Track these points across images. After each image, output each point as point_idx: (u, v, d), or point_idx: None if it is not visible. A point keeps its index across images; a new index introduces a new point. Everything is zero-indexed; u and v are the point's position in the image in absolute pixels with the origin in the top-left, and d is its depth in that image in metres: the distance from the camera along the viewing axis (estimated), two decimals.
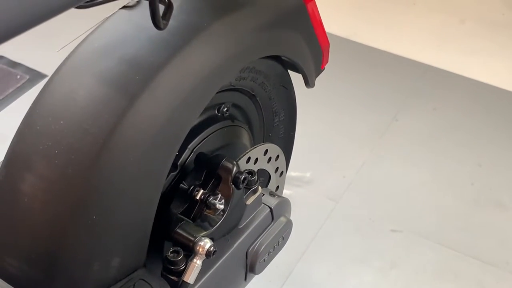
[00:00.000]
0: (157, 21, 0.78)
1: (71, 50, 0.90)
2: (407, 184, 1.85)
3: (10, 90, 2.19)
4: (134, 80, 0.84)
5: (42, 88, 0.88)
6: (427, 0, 2.66)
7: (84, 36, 0.92)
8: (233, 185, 0.94)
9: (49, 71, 2.13)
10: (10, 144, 0.87)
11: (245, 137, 1.08)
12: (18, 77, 2.22)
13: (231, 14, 0.92)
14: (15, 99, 2.12)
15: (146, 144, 0.84)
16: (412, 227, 1.72)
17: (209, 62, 0.88)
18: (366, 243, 1.68)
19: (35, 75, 2.21)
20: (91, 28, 0.91)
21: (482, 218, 1.75)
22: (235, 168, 0.94)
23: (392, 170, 1.89)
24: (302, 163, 1.83)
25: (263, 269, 1.05)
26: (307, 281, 1.62)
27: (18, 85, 2.20)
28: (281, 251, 1.14)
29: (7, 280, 0.85)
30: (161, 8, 0.83)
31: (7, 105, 2.09)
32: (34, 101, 0.88)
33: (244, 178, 0.94)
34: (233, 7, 0.93)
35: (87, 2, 0.82)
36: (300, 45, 1.05)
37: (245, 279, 1.04)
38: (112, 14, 0.92)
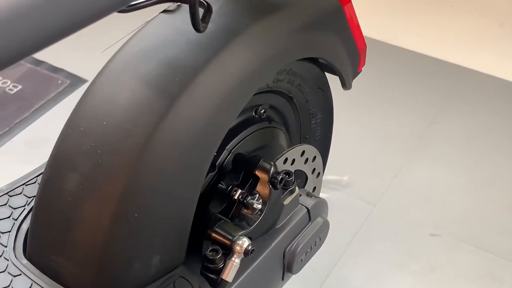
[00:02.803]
0: (197, 24, 0.80)
1: (114, 51, 0.93)
2: (445, 187, 1.84)
3: (52, 95, 2.23)
4: (174, 82, 0.86)
5: (86, 90, 0.90)
6: (464, 2, 2.64)
7: (126, 38, 0.94)
8: (270, 186, 0.95)
9: (89, 76, 2.18)
10: (54, 145, 0.90)
11: (282, 139, 1.09)
12: (59, 82, 2.27)
13: (268, 16, 0.94)
14: (57, 103, 2.16)
15: (186, 145, 0.86)
16: (451, 231, 1.71)
17: (247, 65, 0.90)
18: (404, 247, 1.67)
19: (76, 80, 2.25)
20: (132, 31, 0.94)
21: None
22: (272, 169, 0.95)
23: (430, 174, 1.88)
24: (340, 166, 1.83)
25: (301, 269, 1.06)
26: (344, 285, 1.61)
27: (59, 90, 2.25)
28: (317, 254, 1.15)
29: (52, 277, 0.87)
30: (201, 11, 0.85)
31: (49, 109, 2.13)
32: (77, 102, 0.90)
33: (282, 179, 0.95)
34: (270, 10, 0.95)
35: (129, 6, 0.85)
36: (337, 47, 1.06)
37: (283, 279, 1.05)
38: (153, 18, 0.94)
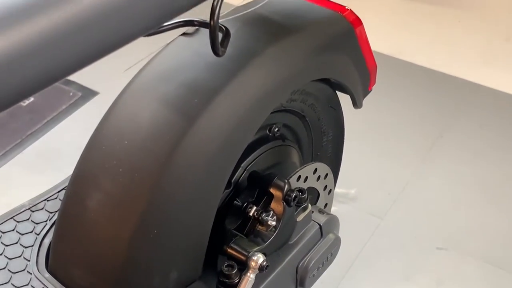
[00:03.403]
0: (216, 48, 0.83)
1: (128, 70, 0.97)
2: (452, 201, 1.86)
3: (63, 107, 2.26)
4: (193, 103, 0.89)
5: (108, 110, 0.94)
6: (471, 18, 2.68)
7: (145, 59, 0.98)
8: (284, 203, 0.98)
9: (100, 88, 2.22)
10: (77, 162, 0.93)
11: (295, 156, 1.13)
12: (71, 94, 2.30)
13: (283, 40, 0.97)
14: (68, 115, 2.19)
15: (204, 164, 0.89)
16: (458, 245, 1.73)
17: (263, 86, 0.93)
18: (411, 260, 1.70)
19: (87, 93, 2.28)
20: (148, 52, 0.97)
21: None
22: (286, 186, 0.98)
23: (438, 188, 1.90)
24: (347, 179, 1.86)
25: (313, 284, 1.09)
26: None
27: (71, 102, 2.28)
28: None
29: None
30: (219, 35, 0.88)
31: (61, 121, 2.15)
32: (100, 122, 0.94)
33: (295, 196, 0.98)
34: (285, 33, 0.98)
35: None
36: (348, 68, 1.10)
37: None
38: (172, 40, 0.97)
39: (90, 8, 0.70)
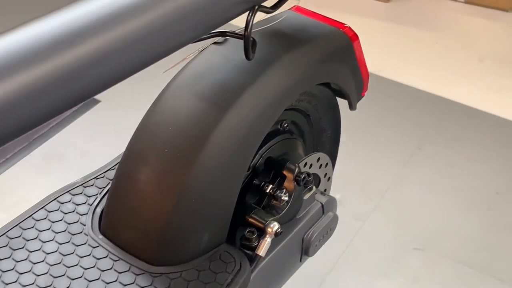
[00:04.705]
0: (249, 54, 1.05)
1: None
2: (428, 207, 1.99)
3: (67, 114, 2.40)
4: (224, 98, 1.10)
5: (153, 103, 1.14)
6: (448, 39, 2.84)
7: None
8: (295, 182, 1.19)
9: (101, 97, 2.35)
10: (128, 144, 1.14)
11: (300, 148, 1.33)
12: None
13: (296, 50, 1.18)
14: (72, 121, 2.31)
15: (232, 148, 1.10)
16: (433, 246, 1.86)
17: (280, 86, 1.14)
18: (390, 259, 1.83)
19: (89, 101, 2.40)
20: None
21: (498, 240, 1.89)
22: (297, 169, 1.19)
23: (415, 194, 2.03)
24: (333, 186, 2.02)
25: (315, 253, 1.29)
26: None
27: (74, 109, 2.42)
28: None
29: (127, 249, 1.10)
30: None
31: (65, 127, 2.28)
32: (146, 113, 1.14)
33: (304, 177, 1.19)
34: (297, 45, 1.19)
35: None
36: (346, 75, 1.31)
37: (300, 260, 1.28)
38: (205, 48, 1.19)
39: (149, 20, 0.88)
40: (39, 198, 1.43)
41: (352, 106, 1.39)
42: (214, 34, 1.12)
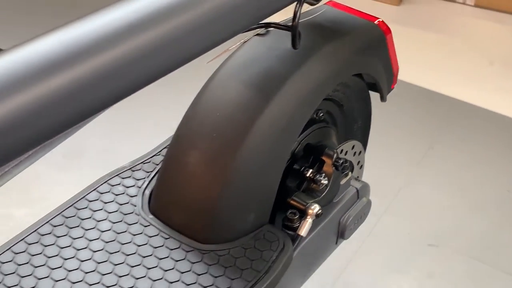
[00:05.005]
0: (296, 44, 1.11)
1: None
2: (441, 205, 2.04)
3: None
4: (269, 86, 1.16)
5: (200, 90, 1.20)
6: (458, 42, 2.89)
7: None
8: (333, 167, 1.25)
9: None
10: (177, 130, 1.20)
11: (334, 137, 1.40)
12: None
13: (335, 41, 1.25)
14: (90, 120, 2.38)
15: (277, 132, 1.16)
16: (447, 243, 1.92)
17: (322, 75, 1.20)
18: (405, 255, 1.88)
19: None
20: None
21: (510, 237, 1.94)
22: (335, 155, 1.25)
23: (427, 193, 2.09)
24: None
25: (349, 236, 1.35)
26: (354, 283, 1.82)
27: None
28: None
29: (176, 229, 1.16)
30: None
31: (83, 126, 2.34)
32: (194, 100, 1.20)
33: (342, 163, 1.25)
34: (336, 36, 1.26)
35: None
36: (379, 66, 1.37)
37: (336, 243, 1.34)
38: (249, 39, 1.25)
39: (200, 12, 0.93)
40: (60, 194, 1.46)
41: (383, 98, 1.45)
42: (260, 25, 1.18)
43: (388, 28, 1.37)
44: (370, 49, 1.33)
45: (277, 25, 1.18)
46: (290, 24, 1.12)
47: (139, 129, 2.32)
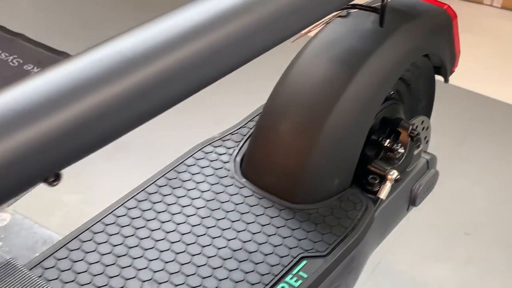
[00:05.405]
0: (383, 22, 1.23)
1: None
2: (476, 196, 2.11)
3: None
4: (355, 62, 1.27)
5: (288, 66, 1.32)
6: (487, 42, 2.93)
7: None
8: (409, 138, 1.36)
9: None
10: (267, 101, 1.31)
11: (402, 113, 1.51)
12: None
13: (411, 22, 1.36)
14: None
15: (362, 104, 1.27)
16: (483, 232, 1.98)
17: (402, 53, 1.32)
18: (443, 243, 1.94)
19: None
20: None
21: None
22: (410, 127, 1.36)
23: (462, 184, 2.16)
24: None
25: (419, 204, 1.46)
26: (393, 270, 1.88)
27: None
28: None
29: (268, 191, 1.27)
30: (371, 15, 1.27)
31: None
32: (283, 73, 1.31)
33: (417, 134, 1.36)
34: (411, 18, 1.37)
35: None
36: (446, 48, 1.48)
37: (407, 209, 1.45)
38: (331, 20, 1.37)
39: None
40: (108, 182, 1.47)
41: (446, 79, 1.55)
42: (347, 7, 1.30)
43: (455, 14, 1.48)
44: (439, 31, 1.44)
45: (362, 7, 1.29)
46: (374, 6, 1.24)
47: (182, 123, 2.39)
